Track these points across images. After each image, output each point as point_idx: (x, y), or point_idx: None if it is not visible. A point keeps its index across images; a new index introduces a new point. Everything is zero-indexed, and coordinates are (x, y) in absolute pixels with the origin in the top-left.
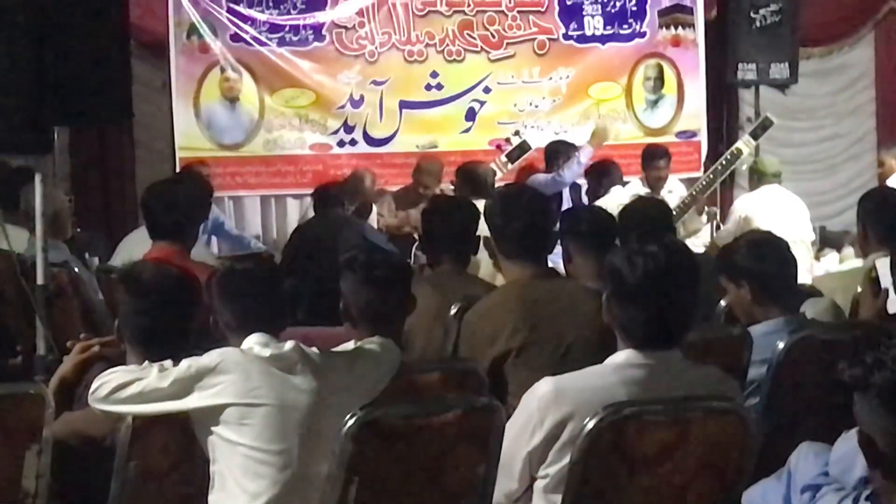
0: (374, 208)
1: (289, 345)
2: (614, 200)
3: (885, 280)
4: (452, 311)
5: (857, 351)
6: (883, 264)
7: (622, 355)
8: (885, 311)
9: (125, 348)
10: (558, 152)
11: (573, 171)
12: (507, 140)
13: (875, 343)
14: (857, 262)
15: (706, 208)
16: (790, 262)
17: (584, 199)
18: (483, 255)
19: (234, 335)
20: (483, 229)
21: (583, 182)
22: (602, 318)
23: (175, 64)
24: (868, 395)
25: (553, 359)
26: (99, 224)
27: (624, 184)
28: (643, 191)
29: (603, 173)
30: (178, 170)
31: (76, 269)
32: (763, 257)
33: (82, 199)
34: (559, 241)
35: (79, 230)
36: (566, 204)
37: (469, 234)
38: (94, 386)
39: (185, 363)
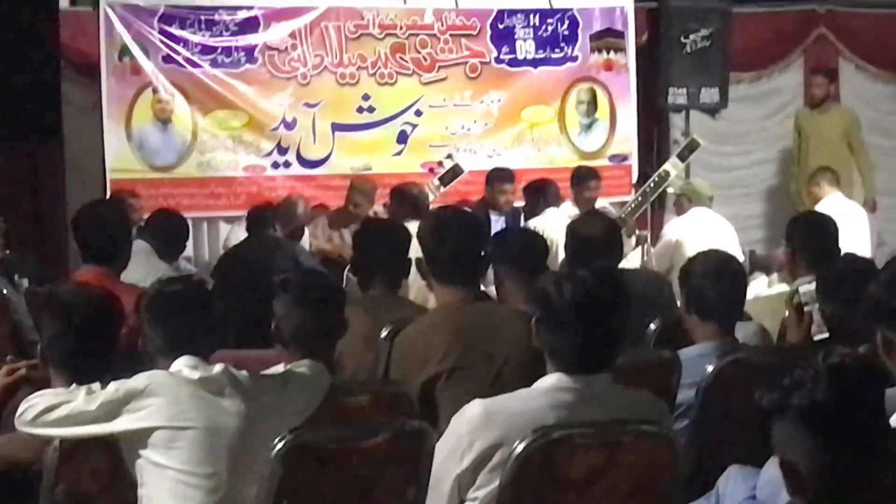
0: (307, 231)
1: (218, 368)
2: (548, 221)
3: (810, 305)
4: (383, 334)
5: (778, 377)
6: (807, 289)
7: (551, 379)
8: (810, 336)
9: (51, 372)
10: (495, 180)
11: None
12: (440, 164)
13: (793, 367)
14: (785, 287)
15: (636, 231)
16: (730, 281)
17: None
18: (414, 278)
19: (162, 358)
20: (415, 251)
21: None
22: (533, 341)
23: (106, 85)
24: (787, 417)
25: (484, 382)
26: (29, 245)
27: (559, 205)
28: (574, 213)
29: (540, 192)
30: (108, 191)
31: (5, 291)
32: (702, 274)
33: (12, 219)
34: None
35: (8, 251)
36: (498, 226)
37: (401, 256)
38: (20, 409)
39: (112, 386)
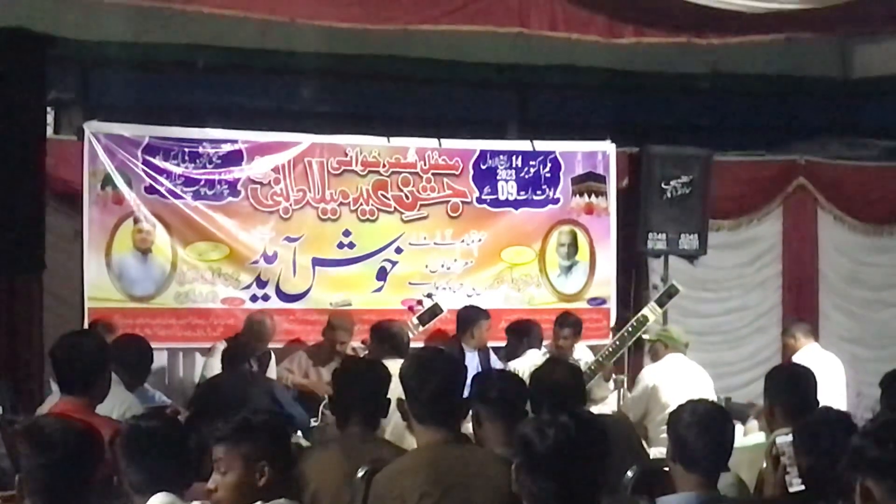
0: (273, 359)
1: None
2: (529, 362)
3: (787, 457)
4: (360, 474)
5: None
6: (784, 441)
7: None
8: (786, 489)
9: (27, 503)
10: (470, 318)
11: None
12: (419, 302)
13: None
14: (761, 436)
15: (613, 376)
16: (717, 433)
17: (494, 363)
18: (391, 417)
19: (137, 494)
20: (395, 391)
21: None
22: (511, 486)
23: (88, 214)
24: None
25: None
26: (3, 371)
27: (541, 347)
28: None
29: (523, 333)
30: (86, 320)
31: None
32: (689, 424)
33: None
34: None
35: None
36: (472, 365)
37: (380, 396)
38: None
39: None
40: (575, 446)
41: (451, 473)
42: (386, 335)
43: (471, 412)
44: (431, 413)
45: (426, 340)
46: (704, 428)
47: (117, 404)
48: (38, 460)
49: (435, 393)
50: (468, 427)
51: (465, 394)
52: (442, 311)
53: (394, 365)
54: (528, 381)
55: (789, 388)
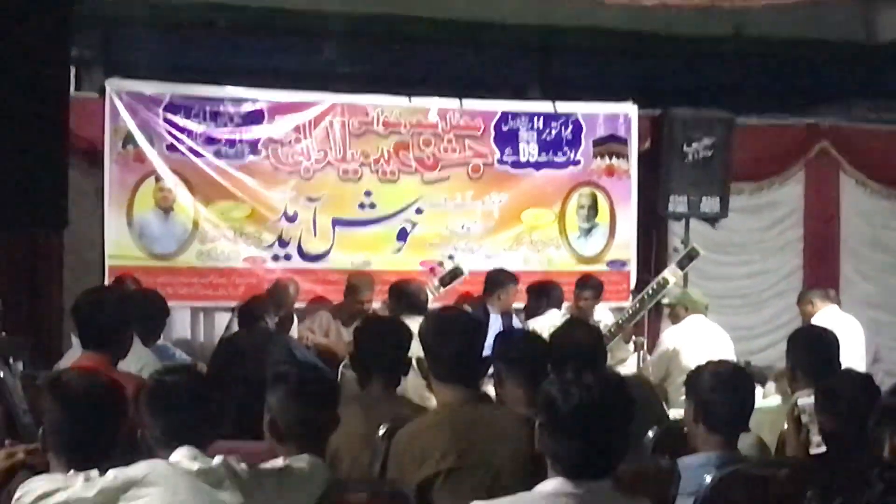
0: (296, 321)
1: (217, 459)
2: (549, 322)
3: (808, 418)
4: (381, 432)
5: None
6: (805, 402)
7: (552, 483)
8: (807, 450)
9: (50, 457)
10: (499, 281)
11: None
12: (440, 264)
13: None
14: (781, 398)
15: (633, 337)
16: (739, 394)
17: (516, 324)
18: (412, 377)
19: (161, 448)
20: (416, 349)
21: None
22: (532, 445)
23: (109, 172)
24: None
25: (482, 484)
26: (24, 328)
27: (561, 307)
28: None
29: (543, 293)
30: (107, 277)
31: (1, 374)
32: (713, 386)
33: (9, 302)
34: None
35: (3, 334)
36: (496, 327)
37: (401, 354)
38: (17, 493)
39: (111, 473)
40: (599, 406)
41: (471, 432)
42: (403, 293)
43: (493, 372)
44: (451, 372)
45: (456, 302)
46: (725, 388)
47: (134, 360)
48: (63, 414)
49: (455, 352)
50: (490, 390)
51: (487, 354)
52: (463, 273)
53: (412, 323)
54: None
55: (811, 350)
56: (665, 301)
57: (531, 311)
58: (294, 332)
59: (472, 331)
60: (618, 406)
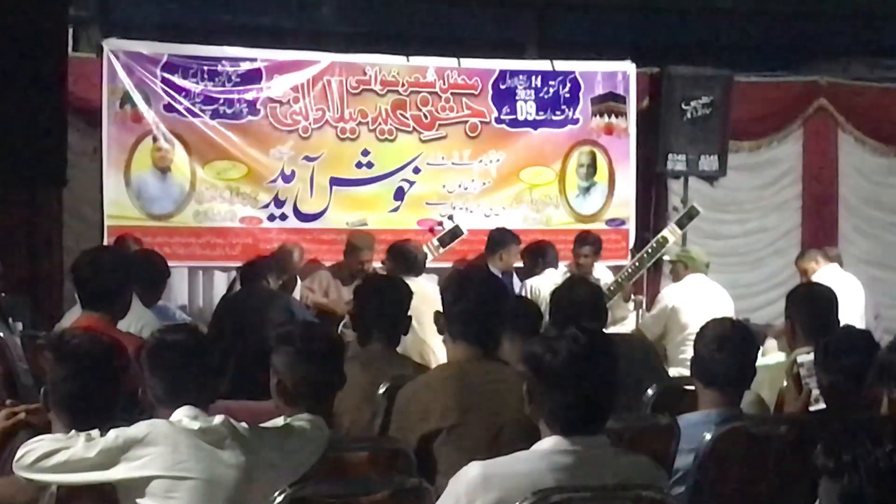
0: (299, 283)
1: (218, 419)
2: (549, 280)
3: (808, 375)
4: (381, 390)
5: (836, 440)
6: (805, 360)
7: (549, 441)
8: (807, 407)
9: (51, 416)
10: (502, 241)
11: None
12: (440, 224)
13: (855, 440)
14: (782, 356)
15: (632, 296)
16: (737, 350)
17: (516, 284)
18: (410, 335)
19: (162, 407)
20: (414, 308)
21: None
22: (525, 410)
23: (107, 132)
24: (834, 487)
25: (484, 441)
26: (23, 289)
27: (557, 267)
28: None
29: (539, 253)
30: (105, 237)
31: (1, 334)
32: (713, 344)
33: (8, 262)
34: None
35: (3, 294)
36: None
37: (401, 313)
38: (19, 453)
39: (112, 433)
40: (586, 357)
41: (476, 389)
42: (400, 255)
43: None
44: (463, 330)
45: (458, 262)
46: (724, 346)
47: (134, 320)
48: (64, 373)
49: (467, 310)
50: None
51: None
52: (462, 232)
53: (412, 283)
54: (549, 299)
55: (810, 308)
56: (666, 258)
57: (527, 272)
58: (296, 294)
59: (487, 290)
60: (604, 356)
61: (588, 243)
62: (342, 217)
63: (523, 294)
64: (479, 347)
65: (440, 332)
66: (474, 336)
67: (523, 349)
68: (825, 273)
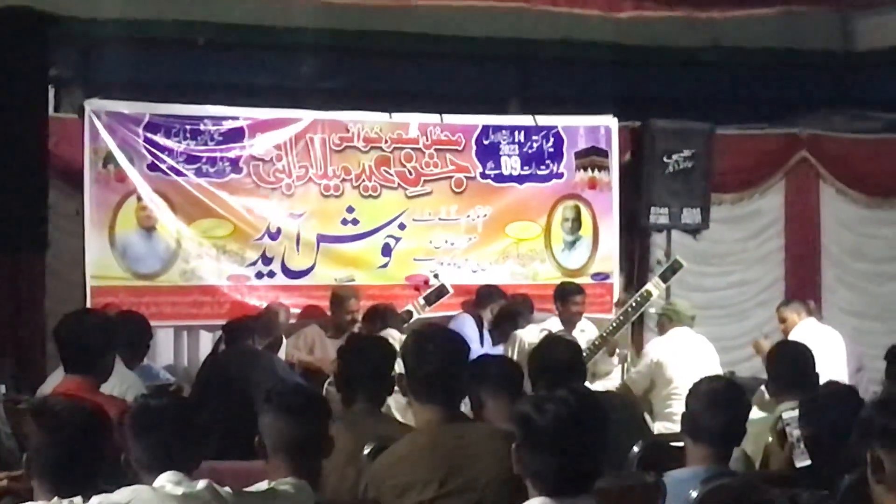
0: (285, 341)
1: (202, 484)
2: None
3: (793, 431)
4: (366, 451)
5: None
6: (790, 416)
7: (536, 502)
8: (792, 463)
9: (34, 483)
10: (490, 296)
11: None
12: (426, 282)
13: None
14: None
15: (617, 350)
16: (727, 407)
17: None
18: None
19: (145, 473)
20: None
21: None
22: (513, 468)
23: (90, 192)
24: None
25: None
26: (6, 350)
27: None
28: (557, 328)
29: (510, 318)
30: (89, 298)
31: None
32: (704, 400)
33: None
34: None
35: None
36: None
37: (384, 373)
38: None
39: (95, 500)
40: (575, 420)
41: (453, 455)
42: (374, 314)
43: (468, 399)
44: (429, 391)
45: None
46: (714, 402)
47: (118, 382)
48: (47, 440)
49: (432, 371)
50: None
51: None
52: (448, 291)
53: (391, 339)
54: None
55: (786, 365)
56: (651, 311)
57: (503, 334)
58: (282, 353)
59: (450, 349)
60: (593, 419)
61: (578, 291)
62: (330, 273)
63: (512, 347)
64: (446, 408)
65: (403, 394)
66: (440, 398)
67: (512, 409)
68: (805, 326)
